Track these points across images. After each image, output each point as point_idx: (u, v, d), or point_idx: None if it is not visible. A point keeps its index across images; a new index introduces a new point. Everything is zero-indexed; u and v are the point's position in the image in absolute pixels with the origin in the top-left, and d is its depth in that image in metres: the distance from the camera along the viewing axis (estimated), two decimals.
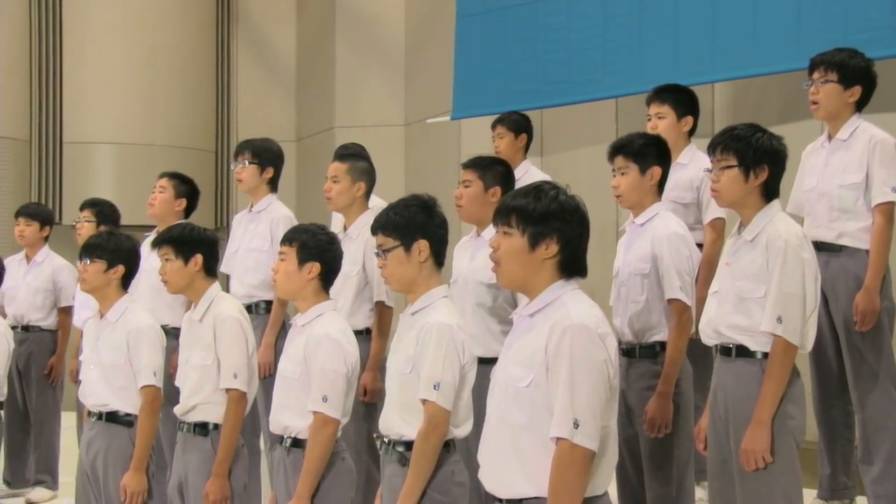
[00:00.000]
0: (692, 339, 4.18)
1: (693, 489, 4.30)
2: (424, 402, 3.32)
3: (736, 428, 3.57)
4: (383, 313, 5.00)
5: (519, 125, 6.12)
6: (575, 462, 2.62)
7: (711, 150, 3.67)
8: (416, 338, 3.38)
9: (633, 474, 4.24)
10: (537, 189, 2.82)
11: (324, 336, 3.70)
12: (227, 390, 4.09)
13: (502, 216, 2.82)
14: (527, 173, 5.86)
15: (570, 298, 2.75)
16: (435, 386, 3.29)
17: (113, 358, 4.38)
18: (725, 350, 3.65)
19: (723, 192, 3.64)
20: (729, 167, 3.60)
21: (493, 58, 7.42)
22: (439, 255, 3.50)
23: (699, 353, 4.32)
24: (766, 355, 3.53)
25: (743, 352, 3.59)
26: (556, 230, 2.76)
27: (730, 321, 3.61)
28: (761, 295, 3.51)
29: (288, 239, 3.87)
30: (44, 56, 9.99)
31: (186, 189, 5.84)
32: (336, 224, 5.22)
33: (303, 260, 3.81)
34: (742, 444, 3.50)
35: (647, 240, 4.19)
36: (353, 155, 5.39)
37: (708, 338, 3.73)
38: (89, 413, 4.50)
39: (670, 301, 4.13)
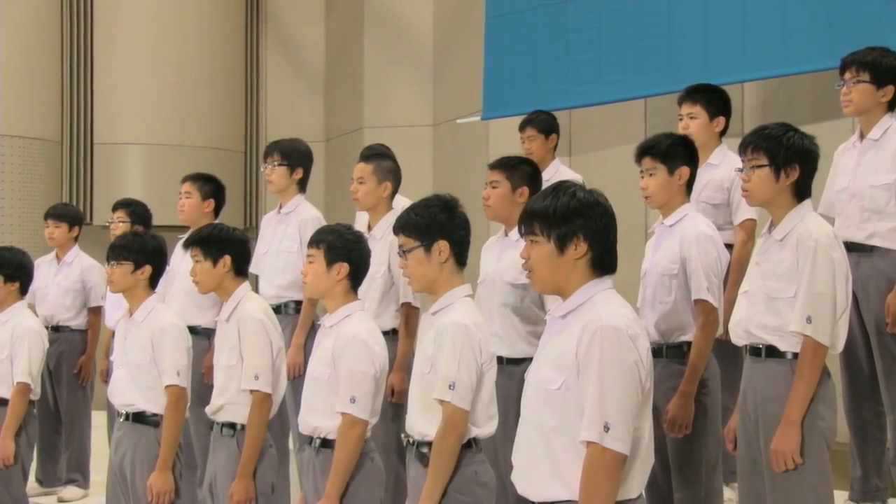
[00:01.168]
0: (722, 339, 4.16)
1: (722, 490, 4.28)
2: (441, 402, 3.31)
3: (766, 429, 3.55)
4: (410, 314, 5.00)
5: (548, 125, 6.10)
6: (605, 466, 2.61)
7: (742, 149, 3.65)
8: (434, 338, 3.38)
9: (661, 475, 4.21)
10: (555, 190, 2.80)
11: (351, 337, 3.71)
12: (250, 391, 4.10)
13: (526, 225, 2.81)
14: (557, 172, 5.84)
15: (602, 299, 2.73)
16: (450, 386, 3.29)
17: (139, 357, 4.41)
18: (755, 350, 3.63)
19: (753, 192, 3.62)
20: (760, 167, 3.57)
21: (522, 58, 7.42)
22: (461, 255, 3.49)
23: (729, 354, 4.30)
24: (796, 356, 3.51)
25: (773, 352, 3.57)
26: (581, 228, 2.74)
27: (760, 321, 3.59)
28: (791, 295, 3.49)
29: (315, 241, 3.87)
30: (75, 58, 10.08)
31: (212, 188, 5.85)
32: (360, 224, 5.22)
33: (331, 261, 3.81)
34: (772, 445, 3.47)
35: (676, 240, 4.17)
36: (379, 155, 5.40)
37: (738, 338, 3.71)
38: (118, 413, 4.53)
39: (697, 301, 4.11)
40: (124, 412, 4.45)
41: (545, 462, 2.72)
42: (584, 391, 2.64)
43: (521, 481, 2.80)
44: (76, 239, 6.81)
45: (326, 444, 3.74)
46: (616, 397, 2.61)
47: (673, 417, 4.07)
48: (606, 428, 2.59)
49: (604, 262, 2.77)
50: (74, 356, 6.67)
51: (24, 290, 5.33)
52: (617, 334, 2.65)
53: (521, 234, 2.84)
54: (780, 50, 5.83)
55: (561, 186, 2.81)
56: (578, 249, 2.75)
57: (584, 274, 2.76)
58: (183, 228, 5.87)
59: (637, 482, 2.71)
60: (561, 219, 2.74)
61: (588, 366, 2.64)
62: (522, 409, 2.82)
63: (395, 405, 4.86)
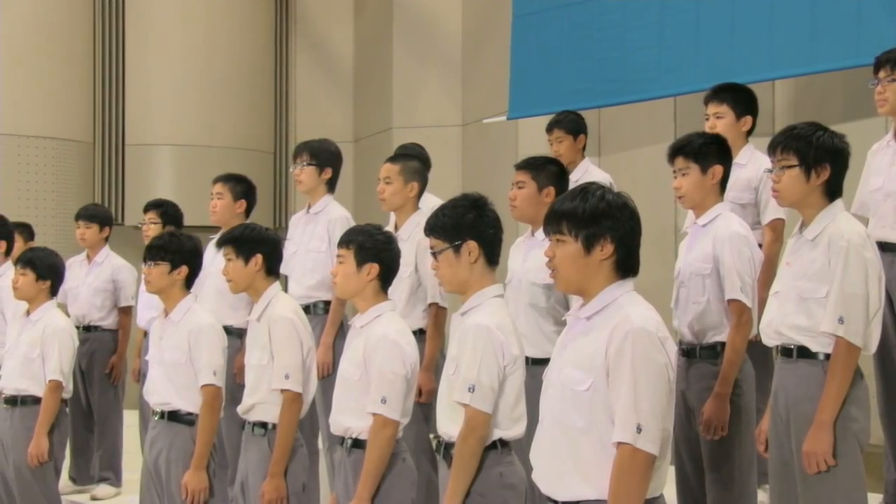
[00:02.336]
0: (753, 340, 4.13)
1: (755, 492, 4.25)
2: (462, 405, 3.31)
3: (797, 430, 3.52)
4: (438, 314, 5.01)
5: (575, 126, 6.09)
6: (637, 466, 2.62)
7: (772, 149, 3.62)
8: (458, 339, 3.38)
9: (693, 477, 4.20)
10: (583, 191, 2.80)
11: (382, 337, 3.71)
12: (281, 391, 4.11)
13: (553, 224, 2.81)
14: (587, 173, 5.83)
15: (628, 301, 2.74)
16: (470, 388, 3.28)
17: (175, 357, 4.44)
18: (786, 351, 3.60)
19: (784, 192, 3.60)
20: (790, 167, 3.55)
21: (549, 57, 7.40)
22: (491, 254, 3.48)
23: (760, 355, 4.28)
24: (828, 356, 3.49)
25: (804, 353, 3.55)
26: (608, 229, 2.75)
27: (791, 322, 3.56)
28: (823, 295, 3.47)
29: (345, 241, 3.88)
30: (107, 61, 10.16)
31: (243, 188, 5.88)
32: (391, 225, 5.23)
33: (361, 261, 3.82)
34: (804, 447, 3.45)
35: (709, 240, 4.15)
36: (405, 155, 5.40)
37: (769, 339, 3.68)
38: (153, 412, 4.56)
39: (730, 301, 4.09)
40: (159, 411, 4.49)
41: (570, 462, 2.72)
42: (616, 393, 2.65)
43: (545, 481, 2.80)
44: (107, 239, 6.86)
45: (358, 444, 3.75)
46: (648, 399, 2.62)
47: (709, 419, 4.05)
48: (639, 429, 2.60)
49: (627, 265, 2.79)
50: (105, 356, 6.72)
51: (54, 290, 5.38)
52: (648, 337, 2.66)
53: (547, 234, 2.85)
54: (809, 47, 5.78)
55: (589, 188, 2.81)
56: (605, 250, 2.76)
57: (608, 275, 2.77)
58: (214, 229, 5.90)
59: (660, 481, 2.73)
60: (590, 219, 2.75)
61: (619, 368, 2.65)
62: (542, 409, 2.83)
63: (423, 405, 4.86)
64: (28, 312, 5.33)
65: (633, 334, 2.65)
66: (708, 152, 4.19)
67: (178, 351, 4.43)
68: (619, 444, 2.63)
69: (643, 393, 2.62)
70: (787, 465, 3.59)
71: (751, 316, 4.09)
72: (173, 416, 4.44)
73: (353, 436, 3.77)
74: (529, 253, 4.50)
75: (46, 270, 5.30)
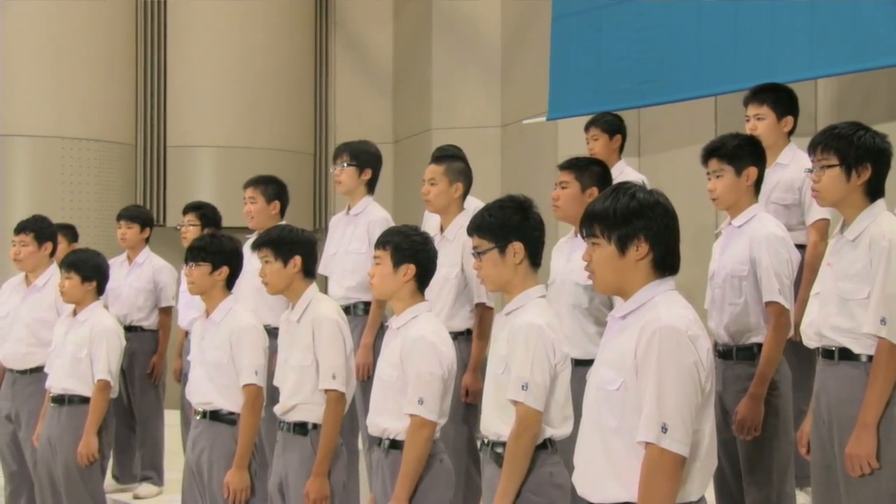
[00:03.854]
0: (794, 341, 4.10)
1: (794, 494, 4.22)
2: (514, 402, 3.31)
3: (840, 432, 3.49)
4: (484, 315, 5.00)
5: (612, 126, 6.08)
6: (664, 467, 2.58)
7: (812, 149, 3.60)
8: (507, 338, 3.38)
9: (731, 478, 4.18)
10: (614, 192, 2.78)
11: (419, 338, 3.72)
12: (326, 391, 4.13)
13: (586, 227, 2.79)
14: (622, 174, 5.82)
15: (663, 300, 2.71)
16: (523, 387, 3.29)
17: (217, 357, 4.48)
18: (828, 353, 3.57)
19: (824, 192, 3.57)
20: (830, 166, 3.52)
21: (588, 58, 7.38)
22: (535, 256, 3.49)
23: (801, 356, 4.24)
24: (870, 358, 3.46)
25: (846, 354, 3.52)
26: (642, 229, 2.72)
27: (832, 323, 3.53)
28: (865, 296, 3.43)
29: (382, 242, 3.89)
30: (149, 64, 10.27)
31: (275, 189, 5.91)
32: (430, 225, 5.24)
33: (398, 262, 3.83)
34: (847, 449, 3.42)
35: (745, 242, 4.12)
36: (450, 156, 5.41)
37: (810, 340, 3.65)
38: (195, 412, 4.60)
39: (768, 303, 4.06)
40: (201, 410, 4.52)
41: (604, 463, 2.71)
42: (643, 392, 2.62)
43: (582, 482, 2.79)
44: (147, 240, 6.92)
45: (395, 445, 3.76)
46: (674, 398, 2.59)
47: (742, 419, 4.02)
48: (664, 429, 2.57)
49: (666, 263, 2.75)
50: (146, 356, 6.78)
51: (100, 291, 5.44)
52: (676, 335, 2.62)
53: (583, 237, 2.84)
54: (851, 45, 5.71)
55: (620, 188, 2.79)
56: (640, 250, 2.73)
57: (646, 275, 2.74)
58: (252, 231, 5.94)
59: (697, 485, 2.68)
60: (621, 220, 2.73)
61: (646, 367, 2.62)
62: (584, 410, 2.82)
63: (466, 405, 4.86)
64: (75, 312, 5.39)
65: (661, 332, 2.62)
66: (742, 154, 4.17)
67: (220, 351, 4.47)
68: (646, 444, 2.60)
69: (669, 392, 2.58)
70: (829, 468, 3.56)
71: (789, 318, 4.07)
72: (215, 416, 4.48)
73: (391, 437, 3.78)
74: (573, 254, 4.49)
75: (91, 272, 5.36)
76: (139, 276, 6.79)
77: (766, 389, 4.04)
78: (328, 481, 4.10)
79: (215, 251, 4.55)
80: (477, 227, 3.50)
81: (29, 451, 5.64)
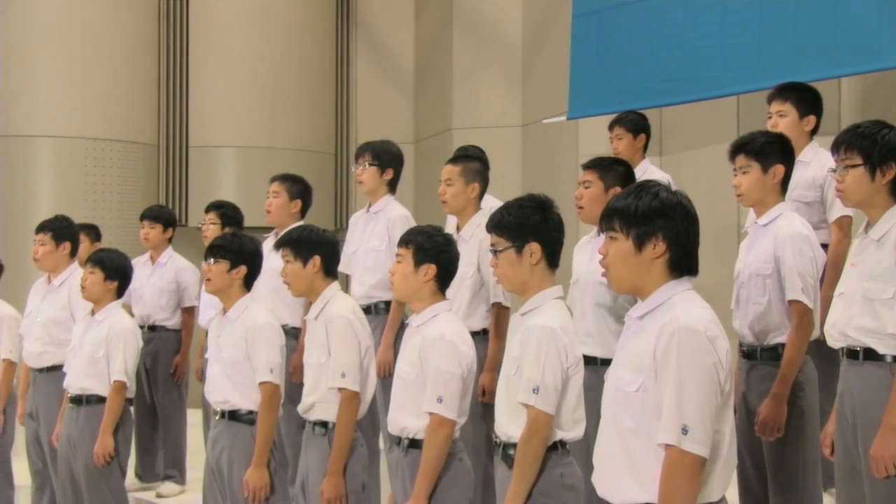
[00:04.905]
0: (818, 340, 4.07)
1: (821, 496, 4.18)
2: (525, 405, 3.30)
3: (864, 433, 3.47)
4: (500, 314, 5.00)
5: (637, 125, 6.06)
6: (684, 468, 2.58)
7: (835, 149, 3.57)
8: (520, 340, 3.37)
9: (756, 480, 4.15)
10: (638, 189, 2.77)
11: (438, 337, 3.72)
12: (338, 389, 4.13)
13: (606, 221, 2.78)
14: (646, 172, 5.80)
15: (681, 300, 2.70)
16: (534, 390, 3.27)
17: (233, 354, 4.49)
18: (852, 353, 3.55)
19: (848, 192, 3.54)
20: (854, 166, 3.50)
21: (609, 57, 7.35)
22: (552, 256, 3.47)
23: (826, 356, 4.21)
24: (895, 359, 3.42)
25: (871, 355, 3.49)
26: (661, 228, 2.71)
27: (857, 323, 3.51)
28: (890, 296, 3.41)
29: (404, 241, 3.89)
30: (171, 64, 10.31)
31: (299, 188, 5.93)
32: (450, 226, 5.24)
33: (419, 262, 3.83)
34: (871, 451, 3.39)
35: (770, 240, 4.09)
36: (466, 157, 5.40)
37: (834, 340, 3.63)
38: (214, 411, 4.61)
39: (791, 302, 4.03)
40: (220, 410, 4.54)
41: (624, 464, 2.70)
42: (662, 393, 2.61)
43: (602, 483, 2.78)
44: (170, 240, 6.95)
45: (415, 444, 3.76)
46: (694, 399, 2.58)
47: (764, 420, 4.00)
48: (685, 430, 2.56)
49: (683, 265, 2.74)
50: (170, 355, 6.81)
51: (120, 293, 5.46)
52: (695, 336, 2.61)
53: (601, 231, 2.83)
54: (877, 43, 5.66)
55: (644, 186, 2.78)
56: (656, 249, 2.72)
57: (662, 275, 2.73)
58: (274, 230, 5.95)
59: (718, 485, 2.68)
60: (642, 218, 2.72)
61: (666, 368, 2.61)
62: (602, 410, 2.81)
63: (484, 405, 4.86)
64: (93, 312, 5.42)
65: (680, 333, 2.61)
66: (770, 151, 4.14)
67: (236, 348, 4.48)
68: (667, 446, 2.59)
69: (689, 393, 2.58)
70: (853, 469, 3.53)
71: (812, 317, 4.03)
72: (234, 416, 4.49)
73: (410, 436, 3.78)
74: (595, 253, 4.48)
75: (115, 271, 5.39)
76: (162, 276, 6.82)
77: (788, 390, 4.00)
78: (343, 480, 4.09)
79: (235, 250, 4.57)
80: (495, 225, 3.49)
81: (48, 450, 5.69)
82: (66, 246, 5.96)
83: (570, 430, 3.37)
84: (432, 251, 3.83)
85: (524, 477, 3.30)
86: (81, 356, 5.34)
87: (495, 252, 3.48)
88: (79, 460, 5.28)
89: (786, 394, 4.00)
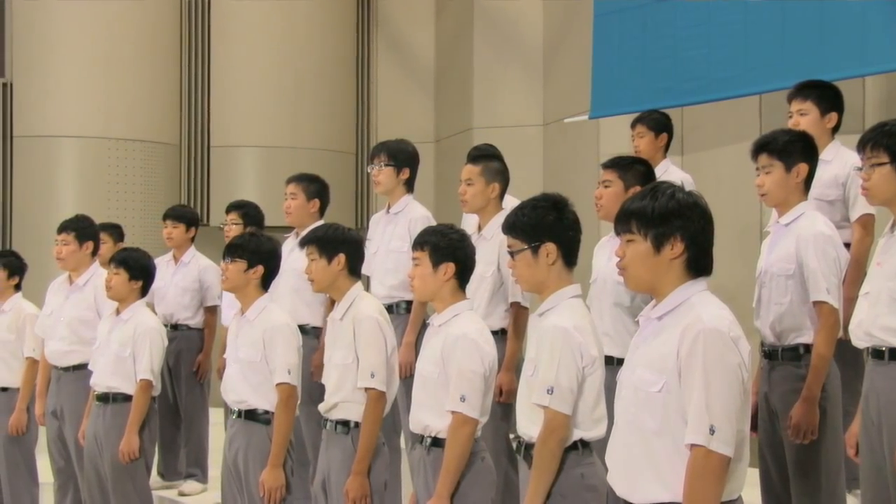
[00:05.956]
0: (840, 340, 4.04)
1: (844, 497, 4.16)
2: (541, 406, 3.30)
3: (890, 434, 3.45)
4: (519, 314, 4.99)
5: (659, 124, 6.04)
6: (711, 469, 2.58)
7: (861, 147, 3.55)
8: (536, 340, 3.37)
9: (778, 481, 4.12)
10: (653, 190, 2.78)
11: (461, 336, 3.71)
12: (366, 389, 4.14)
13: (622, 223, 2.79)
14: (666, 172, 5.78)
15: (700, 301, 2.71)
16: (549, 390, 3.27)
17: (250, 355, 4.50)
18: (878, 353, 3.53)
19: (874, 191, 3.52)
20: (880, 164, 3.48)
21: (630, 56, 7.33)
22: (569, 256, 3.46)
23: (849, 356, 4.18)
24: None
25: None
26: (679, 228, 2.72)
27: (882, 323, 3.49)
28: None
29: (419, 243, 3.89)
30: (193, 64, 10.36)
31: (316, 188, 5.93)
32: (468, 225, 5.23)
33: (437, 262, 3.83)
34: None
35: (792, 240, 4.07)
36: (486, 156, 5.39)
37: (859, 340, 3.61)
38: (230, 410, 4.63)
39: (816, 304, 4.00)
40: (237, 409, 4.55)
41: (645, 464, 2.70)
42: (688, 394, 2.61)
43: (620, 483, 2.78)
44: (193, 240, 6.98)
45: (437, 442, 3.76)
46: (721, 400, 2.59)
47: (797, 423, 3.96)
48: (712, 431, 2.57)
49: (699, 264, 2.75)
50: (192, 354, 6.83)
51: (144, 292, 5.50)
52: (720, 337, 2.62)
53: (618, 233, 2.83)
54: None
55: (659, 187, 2.79)
56: (675, 249, 2.73)
57: (679, 275, 2.74)
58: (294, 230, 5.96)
59: (737, 483, 2.69)
60: (659, 218, 2.73)
61: (691, 369, 2.61)
62: (616, 411, 2.80)
63: (503, 405, 4.86)
64: (118, 311, 5.45)
65: (705, 334, 2.61)
66: (793, 150, 4.11)
67: (253, 349, 4.49)
68: (693, 446, 2.59)
69: (716, 394, 2.58)
70: (879, 470, 3.51)
71: (838, 318, 4.00)
72: (250, 415, 4.51)
73: (433, 434, 3.78)
74: (614, 254, 4.46)
75: (139, 271, 5.42)
76: (185, 275, 6.85)
77: (819, 392, 3.97)
78: (368, 480, 4.10)
79: (252, 250, 4.58)
80: (510, 227, 3.49)
81: (73, 448, 5.72)
82: (89, 245, 6.00)
83: (591, 429, 3.36)
84: (449, 249, 3.83)
85: (542, 477, 3.30)
86: (108, 355, 5.37)
87: (512, 254, 3.48)
88: (105, 458, 5.32)
89: (817, 396, 3.96)
